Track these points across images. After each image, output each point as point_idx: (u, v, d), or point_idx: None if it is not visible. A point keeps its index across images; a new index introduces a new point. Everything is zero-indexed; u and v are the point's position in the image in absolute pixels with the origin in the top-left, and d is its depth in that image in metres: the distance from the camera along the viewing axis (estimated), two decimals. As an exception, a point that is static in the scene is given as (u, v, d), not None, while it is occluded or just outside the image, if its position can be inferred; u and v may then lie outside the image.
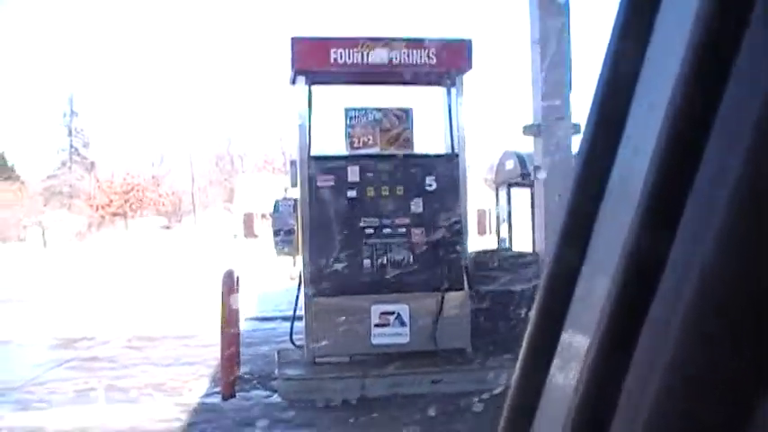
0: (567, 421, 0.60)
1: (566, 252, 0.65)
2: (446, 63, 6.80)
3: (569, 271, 0.64)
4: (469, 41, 6.93)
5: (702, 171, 0.51)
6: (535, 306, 0.67)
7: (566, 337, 0.65)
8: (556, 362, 0.66)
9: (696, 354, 0.48)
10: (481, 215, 32.08)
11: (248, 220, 46.05)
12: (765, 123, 0.46)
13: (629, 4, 0.63)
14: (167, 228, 53.57)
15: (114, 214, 56.54)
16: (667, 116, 0.54)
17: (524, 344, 0.68)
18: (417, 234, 6.72)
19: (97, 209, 56.44)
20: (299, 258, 6.73)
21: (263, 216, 42.47)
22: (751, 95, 0.47)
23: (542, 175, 7.21)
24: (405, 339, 6.59)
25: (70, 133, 62.49)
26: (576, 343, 0.63)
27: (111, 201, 56.61)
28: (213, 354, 7.26)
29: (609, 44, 0.64)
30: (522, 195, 12.88)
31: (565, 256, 0.65)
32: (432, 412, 5.72)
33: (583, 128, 0.69)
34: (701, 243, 0.48)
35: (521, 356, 0.69)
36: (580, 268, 0.64)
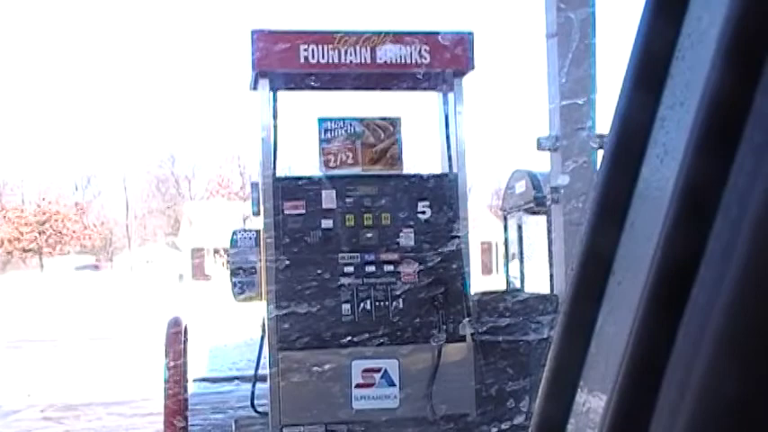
0: None
1: (594, 254, 0.71)
2: (442, 62, 6.88)
3: (596, 278, 0.70)
4: (470, 35, 7.00)
5: (735, 171, 0.56)
6: (560, 319, 0.74)
7: (593, 351, 0.71)
8: (584, 374, 0.72)
9: (730, 368, 0.53)
10: (486, 250, 32.24)
11: (198, 258, 45.94)
12: None
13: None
14: (95, 267, 53.29)
15: (25, 251, 56.17)
16: (698, 114, 0.59)
17: (549, 360, 0.74)
18: (408, 272, 6.76)
19: (2, 244, 55.97)
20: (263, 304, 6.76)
21: (217, 252, 42.40)
22: None
23: (560, 196, 7.29)
24: (394, 404, 6.60)
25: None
26: (604, 361, 0.69)
27: (22, 234, 56.15)
28: (154, 425, 7.24)
29: (638, 30, 0.71)
30: (536, 224, 12.98)
31: (592, 258, 0.71)
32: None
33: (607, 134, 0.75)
34: (736, 243, 0.54)
35: (546, 372, 0.75)
36: (608, 277, 0.70)
